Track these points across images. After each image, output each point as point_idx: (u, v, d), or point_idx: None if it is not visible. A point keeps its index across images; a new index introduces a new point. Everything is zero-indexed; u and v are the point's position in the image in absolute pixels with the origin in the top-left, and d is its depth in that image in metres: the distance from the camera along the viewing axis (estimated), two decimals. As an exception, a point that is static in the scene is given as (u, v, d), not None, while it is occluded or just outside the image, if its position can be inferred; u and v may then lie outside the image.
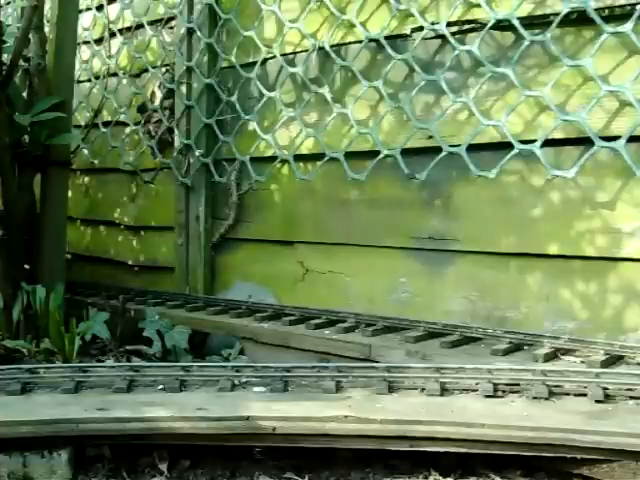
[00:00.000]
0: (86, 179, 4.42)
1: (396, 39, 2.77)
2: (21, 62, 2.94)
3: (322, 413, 1.63)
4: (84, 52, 4.17)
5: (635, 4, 2.19)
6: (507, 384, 1.77)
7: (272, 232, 3.29)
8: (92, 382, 1.91)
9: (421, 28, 2.64)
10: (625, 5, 2.24)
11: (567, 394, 1.73)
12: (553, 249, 2.47)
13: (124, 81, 3.91)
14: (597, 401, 1.67)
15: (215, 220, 3.54)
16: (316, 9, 3.01)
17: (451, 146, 2.57)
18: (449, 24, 2.57)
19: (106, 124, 4.02)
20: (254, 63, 3.20)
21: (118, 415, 1.67)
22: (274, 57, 3.13)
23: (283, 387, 1.84)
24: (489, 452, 1.57)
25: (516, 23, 2.37)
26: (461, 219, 2.70)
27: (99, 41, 4.12)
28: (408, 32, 2.75)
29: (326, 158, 2.93)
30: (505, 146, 2.43)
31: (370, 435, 1.61)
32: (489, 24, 2.45)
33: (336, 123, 2.95)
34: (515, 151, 2.41)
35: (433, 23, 2.62)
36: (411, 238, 2.81)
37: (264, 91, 3.13)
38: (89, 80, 4.16)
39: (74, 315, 2.55)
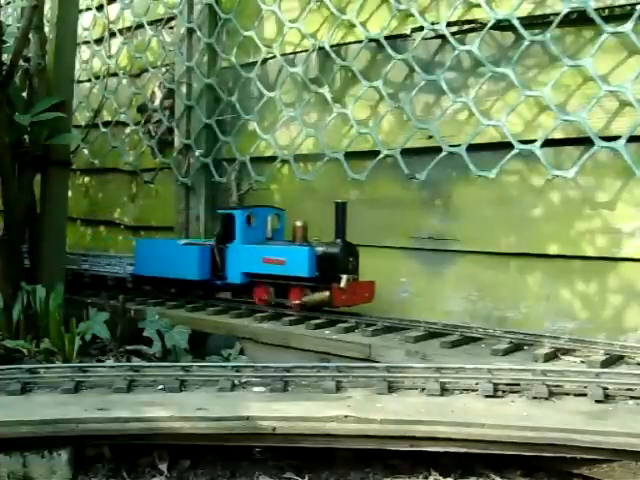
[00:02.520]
0: (86, 179, 4.43)
1: (396, 39, 2.78)
2: (21, 62, 2.94)
3: (322, 413, 1.63)
4: (84, 52, 4.18)
5: (635, 4, 2.19)
6: (507, 384, 1.77)
7: (272, 232, 3.29)
8: (92, 382, 1.91)
9: (421, 28, 2.65)
10: (625, 5, 2.24)
11: (567, 394, 1.73)
12: (553, 249, 2.47)
13: (124, 81, 3.91)
14: (597, 401, 1.67)
15: (215, 220, 3.54)
16: (316, 9, 3.01)
17: (451, 146, 2.57)
18: (449, 24, 2.58)
19: (106, 124, 4.03)
20: (254, 63, 3.21)
21: (118, 415, 1.67)
22: (274, 57, 3.14)
23: (283, 387, 1.84)
24: (489, 452, 1.57)
25: (516, 23, 2.37)
26: (461, 219, 2.70)
27: (99, 41, 4.12)
28: (408, 32, 2.75)
29: (326, 158, 2.93)
30: (505, 146, 2.43)
31: (370, 435, 1.60)
32: (489, 24, 2.45)
33: (336, 123, 2.95)
34: (515, 151, 2.41)
35: (433, 23, 2.63)
36: (411, 238, 2.82)
37: (264, 91, 3.13)
38: (89, 80, 4.16)
39: (74, 315, 2.55)
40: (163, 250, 3.06)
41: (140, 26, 3.77)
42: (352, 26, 2.89)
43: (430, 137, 2.66)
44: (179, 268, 2.94)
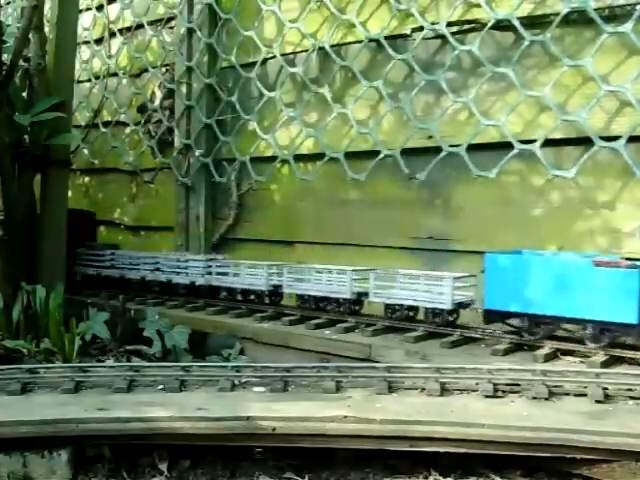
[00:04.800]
0: (86, 179, 4.42)
1: (396, 39, 2.78)
2: (21, 62, 2.94)
3: (322, 413, 1.63)
4: (84, 52, 4.18)
5: (635, 4, 2.19)
6: (507, 384, 1.77)
7: (272, 232, 3.30)
8: (92, 382, 1.91)
9: (421, 28, 2.65)
10: (625, 5, 2.24)
11: (567, 394, 1.73)
12: (553, 249, 2.46)
13: (124, 81, 3.91)
14: (597, 401, 1.67)
15: (215, 220, 3.54)
16: (316, 9, 3.01)
17: (451, 146, 2.57)
18: (449, 24, 2.58)
19: (106, 124, 4.03)
20: (254, 63, 3.21)
21: (118, 415, 1.67)
22: (274, 57, 3.14)
23: (283, 387, 1.84)
24: (489, 452, 1.57)
25: (516, 23, 2.37)
26: (461, 219, 2.70)
27: (99, 41, 4.12)
28: (408, 32, 2.75)
29: (326, 158, 2.93)
30: (505, 146, 2.43)
31: (370, 435, 1.61)
32: (489, 24, 2.45)
33: (336, 123, 2.95)
34: (515, 151, 2.41)
35: (433, 23, 2.63)
36: (411, 238, 2.82)
37: (264, 91, 3.13)
38: (89, 80, 4.16)
39: (74, 315, 2.55)
40: (555, 273, 2.06)
41: (140, 26, 3.77)
42: (352, 26, 2.89)
43: (430, 137, 2.66)
44: (591, 303, 1.99)
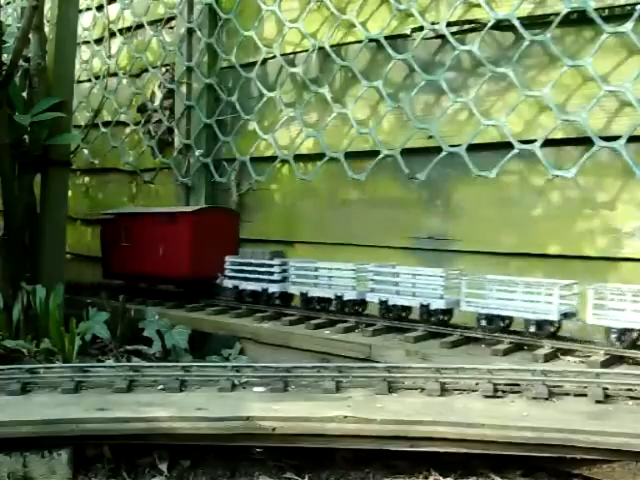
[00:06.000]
0: (86, 179, 4.42)
1: (396, 39, 2.78)
2: (21, 62, 2.94)
3: (322, 413, 1.63)
4: (84, 52, 4.18)
5: (635, 4, 2.19)
6: (507, 384, 1.77)
7: (272, 232, 3.30)
8: (92, 382, 1.91)
9: (421, 28, 2.65)
10: (625, 5, 2.24)
11: (567, 394, 1.73)
12: (553, 249, 2.47)
13: (124, 81, 3.91)
14: (597, 401, 1.67)
15: (215, 220, 3.54)
16: (316, 9, 3.01)
17: (451, 146, 2.57)
18: (449, 24, 2.58)
19: (106, 124, 4.03)
20: (254, 63, 3.21)
21: (118, 415, 1.67)
22: (274, 57, 3.14)
23: (283, 387, 1.84)
24: (489, 452, 1.57)
25: (516, 23, 2.37)
26: (461, 219, 2.70)
27: (99, 41, 4.12)
28: (408, 32, 2.75)
29: (326, 158, 2.93)
30: (505, 146, 2.43)
31: (370, 435, 1.61)
32: (489, 24, 2.45)
33: (336, 123, 2.95)
34: (515, 151, 2.41)
35: (433, 23, 2.63)
36: (411, 238, 2.82)
37: (264, 91, 3.13)
38: (89, 80, 4.16)
39: (74, 315, 2.55)
40: None
41: (140, 26, 3.77)
42: (352, 26, 2.89)
43: (430, 137, 2.66)
44: None
